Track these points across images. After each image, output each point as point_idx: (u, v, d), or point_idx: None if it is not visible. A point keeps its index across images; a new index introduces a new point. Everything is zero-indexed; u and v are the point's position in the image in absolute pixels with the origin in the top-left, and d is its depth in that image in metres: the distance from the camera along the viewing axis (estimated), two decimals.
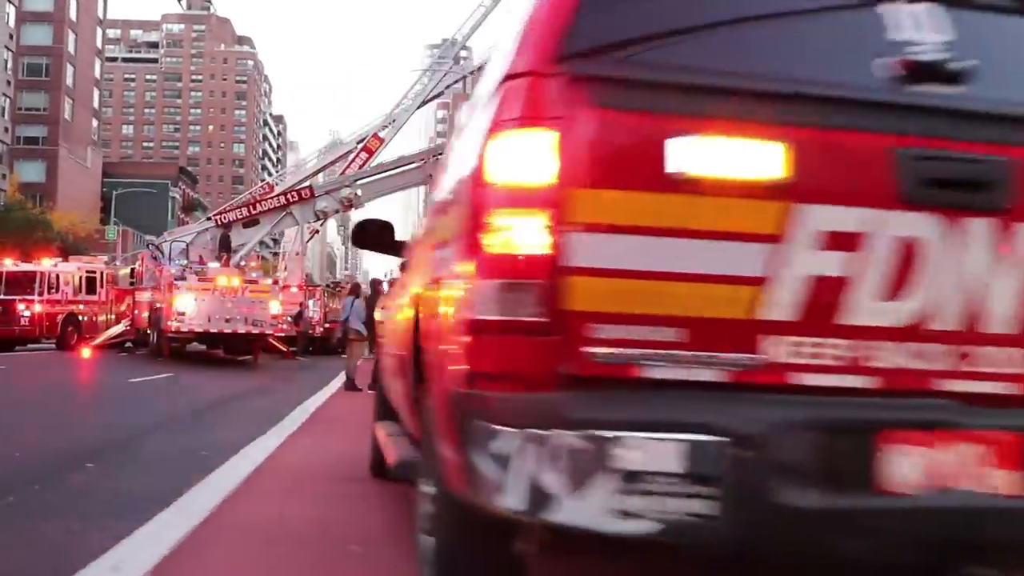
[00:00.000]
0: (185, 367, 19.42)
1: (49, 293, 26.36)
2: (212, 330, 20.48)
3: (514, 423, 1.95)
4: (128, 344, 27.33)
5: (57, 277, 26.84)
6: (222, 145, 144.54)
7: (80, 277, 27.88)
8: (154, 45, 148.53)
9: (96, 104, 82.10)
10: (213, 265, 21.78)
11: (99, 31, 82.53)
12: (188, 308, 20.02)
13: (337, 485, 5.42)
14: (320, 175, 29.78)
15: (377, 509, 4.70)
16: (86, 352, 24.79)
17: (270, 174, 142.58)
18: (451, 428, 2.15)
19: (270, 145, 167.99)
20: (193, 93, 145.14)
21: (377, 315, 8.99)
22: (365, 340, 14.06)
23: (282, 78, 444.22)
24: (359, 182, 26.01)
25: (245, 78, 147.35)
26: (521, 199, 2.04)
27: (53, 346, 27.09)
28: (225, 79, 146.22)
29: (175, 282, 20.15)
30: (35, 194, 62.42)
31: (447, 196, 2.69)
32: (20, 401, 11.70)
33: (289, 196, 25.13)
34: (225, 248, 23.45)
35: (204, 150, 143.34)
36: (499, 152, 2.09)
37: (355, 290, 14.42)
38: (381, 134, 29.36)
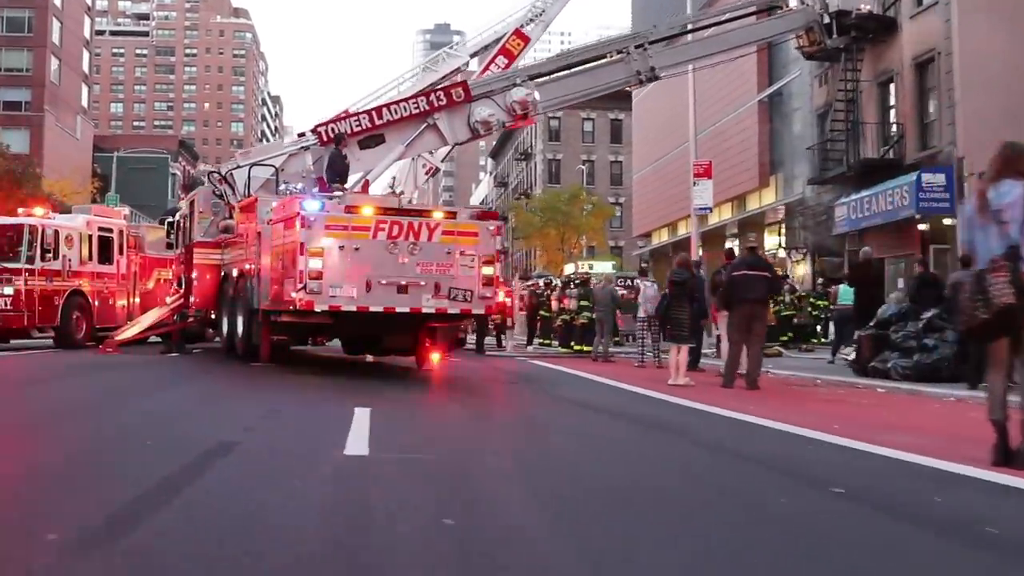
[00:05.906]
0: (335, 387, 9.84)
1: (44, 260, 16.79)
2: (374, 308, 10.30)
3: None
4: (153, 339, 17.57)
5: (55, 235, 17.22)
6: (219, 124, 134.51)
7: (90, 236, 18.26)
8: (144, 17, 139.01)
9: (86, 68, 72.52)
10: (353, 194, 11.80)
11: None
12: (331, 266, 10.12)
13: None
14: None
15: None
16: (110, 352, 15.26)
17: None
18: None
19: (268, 126, 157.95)
20: (187, 68, 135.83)
21: None
22: None
23: (270, 57, 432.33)
24: (536, 80, 16.51)
25: (243, 52, 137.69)
26: None
27: (50, 341, 17.49)
28: (222, 53, 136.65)
29: (307, 215, 10.16)
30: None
31: None
32: None
33: (435, 99, 15.54)
34: (339, 174, 13.76)
35: (200, 129, 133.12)
36: None
37: None
38: (526, 30, 20.14)
